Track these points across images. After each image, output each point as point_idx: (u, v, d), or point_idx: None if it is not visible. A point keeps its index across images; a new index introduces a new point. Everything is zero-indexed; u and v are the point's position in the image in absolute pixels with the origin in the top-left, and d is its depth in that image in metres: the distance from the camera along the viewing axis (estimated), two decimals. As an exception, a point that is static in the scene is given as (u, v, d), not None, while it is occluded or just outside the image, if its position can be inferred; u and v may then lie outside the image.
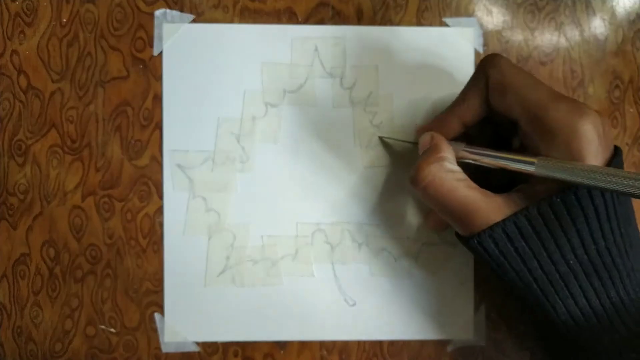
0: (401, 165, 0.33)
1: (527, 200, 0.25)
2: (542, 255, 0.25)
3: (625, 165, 0.34)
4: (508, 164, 0.26)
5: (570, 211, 0.24)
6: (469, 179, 0.26)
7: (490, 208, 0.25)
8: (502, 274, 0.26)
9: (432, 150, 0.27)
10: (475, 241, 0.25)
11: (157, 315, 0.32)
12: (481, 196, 0.25)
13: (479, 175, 0.28)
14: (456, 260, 0.33)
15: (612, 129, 0.27)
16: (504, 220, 0.25)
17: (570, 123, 0.24)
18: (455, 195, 0.25)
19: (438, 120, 0.29)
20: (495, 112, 0.27)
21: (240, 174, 0.33)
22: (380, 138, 0.33)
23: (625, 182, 0.22)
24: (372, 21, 0.33)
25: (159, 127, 0.33)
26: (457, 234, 0.28)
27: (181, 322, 0.32)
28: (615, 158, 0.25)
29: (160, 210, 0.32)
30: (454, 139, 0.28)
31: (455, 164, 0.27)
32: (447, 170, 0.26)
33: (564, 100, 0.24)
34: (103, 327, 0.33)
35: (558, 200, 0.24)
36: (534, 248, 0.25)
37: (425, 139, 0.28)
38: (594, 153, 0.24)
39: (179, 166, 0.32)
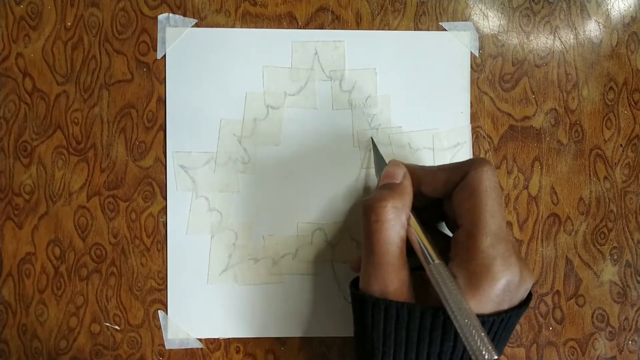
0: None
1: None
2: (401, 351, 0.25)
3: (619, 166, 0.34)
4: (421, 250, 0.26)
5: (445, 326, 0.25)
6: (404, 243, 0.27)
7: (399, 284, 0.26)
8: (362, 339, 0.27)
9: (400, 191, 0.27)
10: (371, 304, 0.26)
11: (160, 313, 0.33)
12: (398, 267, 0.26)
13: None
14: (453, 259, 0.34)
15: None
16: (403, 303, 0.25)
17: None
18: (389, 250, 0.26)
19: (415, 169, 0.29)
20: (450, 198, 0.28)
21: (242, 175, 0.33)
22: (373, 141, 0.33)
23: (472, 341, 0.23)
24: (371, 25, 0.34)
25: (162, 128, 0.33)
26: (353, 281, 0.28)
27: (184, 319, 0.33)
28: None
29: (164, 210, 0.33)
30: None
31: (407, 215, 0.27)
32: (399, 222, 0.26)
33: (503, 249, 0.25)
34: (107, 324, 0.33)
35: (440, 313, 0.25)
36: (405, 340, 0.25)
37: (396, 171, 0.28)
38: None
39: (182, 167, 0.33)
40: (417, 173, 0.29)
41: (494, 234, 0.25)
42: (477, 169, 0.26)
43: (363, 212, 0.27)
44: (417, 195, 0.28)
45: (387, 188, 0.28)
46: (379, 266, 0.26)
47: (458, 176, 0.27)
